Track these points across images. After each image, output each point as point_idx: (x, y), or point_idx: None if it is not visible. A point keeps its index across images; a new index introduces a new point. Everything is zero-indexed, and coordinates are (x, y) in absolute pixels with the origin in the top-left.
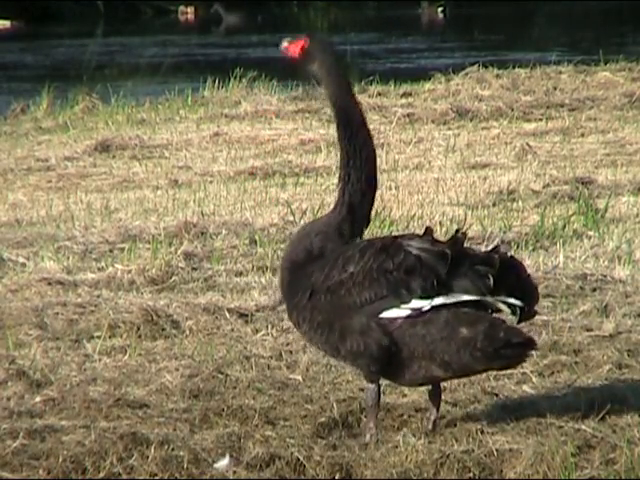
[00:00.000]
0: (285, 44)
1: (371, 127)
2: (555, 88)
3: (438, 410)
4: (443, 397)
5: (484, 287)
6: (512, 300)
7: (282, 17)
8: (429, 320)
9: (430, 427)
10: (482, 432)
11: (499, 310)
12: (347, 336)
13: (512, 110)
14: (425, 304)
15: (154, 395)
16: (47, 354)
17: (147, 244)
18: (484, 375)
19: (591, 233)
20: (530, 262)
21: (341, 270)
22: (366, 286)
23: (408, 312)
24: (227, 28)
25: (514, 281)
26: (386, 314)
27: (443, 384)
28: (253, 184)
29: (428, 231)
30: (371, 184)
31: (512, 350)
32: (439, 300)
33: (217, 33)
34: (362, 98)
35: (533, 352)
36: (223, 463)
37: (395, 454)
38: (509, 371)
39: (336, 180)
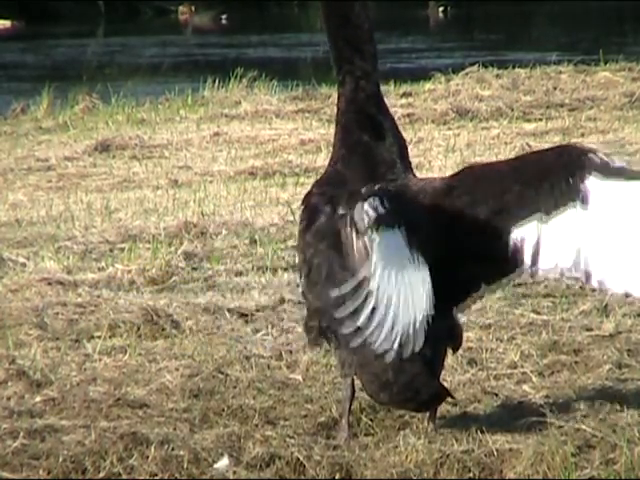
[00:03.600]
0: None
1: None
2: (555, 88)
3: (435, 410)
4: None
5: None
6: None
7: (281, 16)
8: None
9: (430, 427)
10: (482, 432)
11: None
12: None
13: (512, 110)
14: None
15: (154, 395)
16: (47, 354)
17: (147, 244)
18: (484, 375)
19: None
20: None
21: None
22: None
23: None
24: (194, 29)
25: None
26: None
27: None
28: (253, 184)
29: None
30: None
31: (425, 399)
32: None
33: (186, 34)
34: None
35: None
36: (223, 463)
37: (395, 454)
38: (509, 370)
39: None
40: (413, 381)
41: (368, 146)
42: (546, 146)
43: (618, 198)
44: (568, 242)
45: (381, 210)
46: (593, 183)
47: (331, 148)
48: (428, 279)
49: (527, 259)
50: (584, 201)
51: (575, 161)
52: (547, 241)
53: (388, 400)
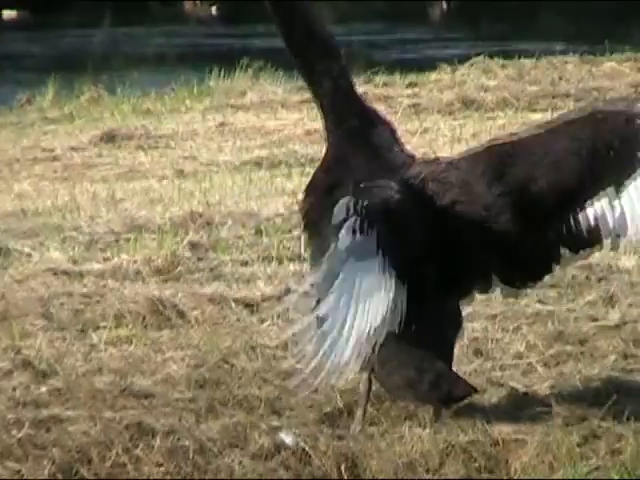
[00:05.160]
0: None
1: None
2: (561, 78)
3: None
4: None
5: None
6: None
7: None
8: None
9: (435, 418)
10: (488, 422)
11: None
12: None
13: (518, 100)
14: None
15: (160, 385)
16: (53, 344)
17: (153, 234)
18: (489, 365)
19: None
20: None
21: None
22: None
23: None
24: (199, 19)
25: None
26: None
27: None
28: (259, 174)
29: None
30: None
31: (449, 400)
32: None
33: (191, 25)
34: (368, 88)
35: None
36: (288, 438)
37: (401, 444)
38: (515, 361)
39: None
40: (435, 379)
41: (363, 132)
42: None
43: None
44: None
45: (352, 219)
46: None
47: None
48: (392, 284)
49: (608, 233)
50: None
51: (631, 119)
52: (628, 211)
53: (406, 397)
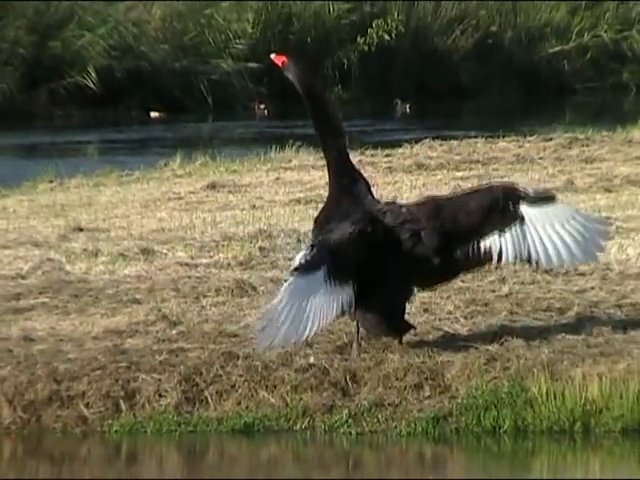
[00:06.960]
0: (274, 56)
1: (365, 175)
2: (473, 151)
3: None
4: (410, 332)
5: None
6: None
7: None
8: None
9: (400, 348)
10: (431, 351)
11: None
12: None
13: (449, 164)
14: None
15: (242, 330)
16: (179, 306)
17: (238, 242)
18: (432, 318)
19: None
20: None
21: None
22: None
23: None
24: (263, 117)
25: None
26: None
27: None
28: (299, 207)
29: None
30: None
31: (399, 332)
32: None
33: (259, 120)
34: (361, 157)
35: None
36: (315, 360)
37: (382, 364)
38: (447, 315)
39: None
40: (391, 322)
41: (350, 186)
42: (469, 186)
43: (538, 215)
44: (518, 244)
45: (303, 261)
46: (524, 208)
47: None
48: (337, 300)
49: (495, 257)
50: (522, 219)
51: (512, 194)
52: (506, 245)
53: (377, 333)
